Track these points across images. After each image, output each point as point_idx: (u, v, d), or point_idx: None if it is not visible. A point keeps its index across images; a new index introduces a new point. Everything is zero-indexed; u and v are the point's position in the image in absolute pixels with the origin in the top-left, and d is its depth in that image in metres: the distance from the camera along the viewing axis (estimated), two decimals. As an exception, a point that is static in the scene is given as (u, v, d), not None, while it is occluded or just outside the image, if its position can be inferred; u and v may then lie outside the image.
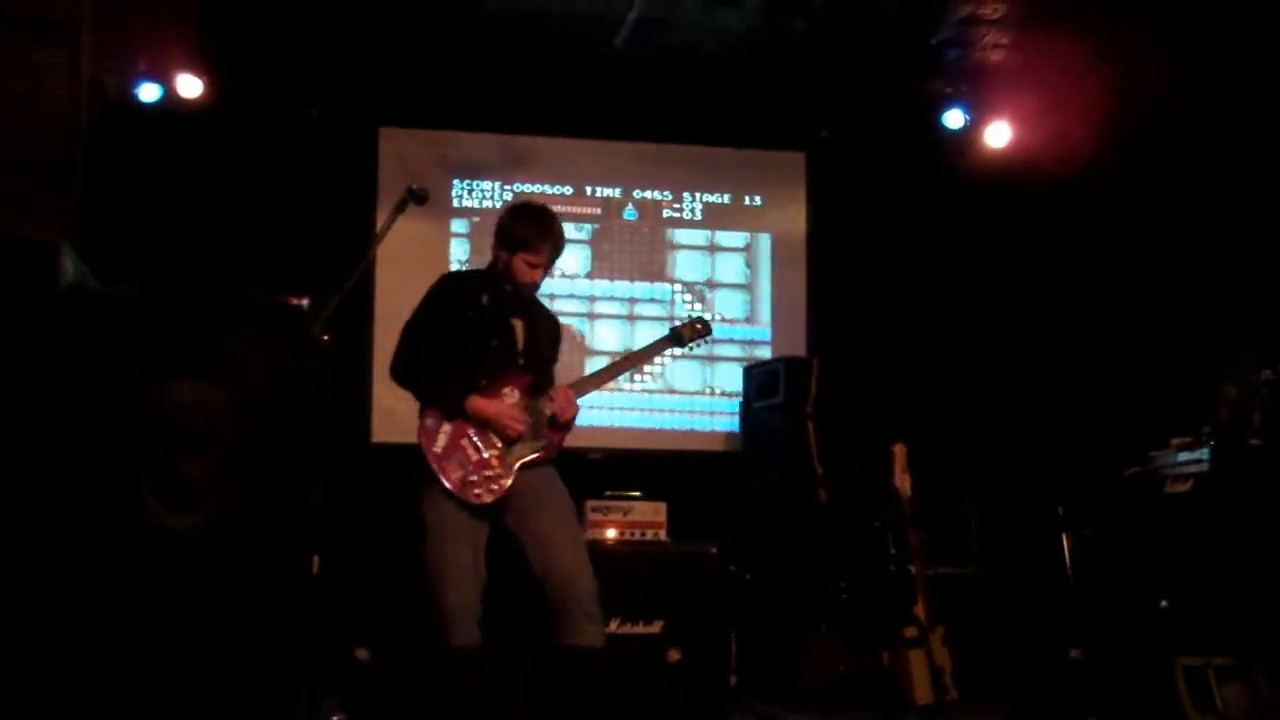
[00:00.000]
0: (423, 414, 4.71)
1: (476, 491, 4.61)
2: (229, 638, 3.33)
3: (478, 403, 4.66)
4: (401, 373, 4.76)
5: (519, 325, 4.85)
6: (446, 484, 4.60)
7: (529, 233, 4.76)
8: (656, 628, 5.80)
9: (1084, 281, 7.68)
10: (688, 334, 5.16)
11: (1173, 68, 6.54)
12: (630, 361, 5.29)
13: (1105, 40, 6.57)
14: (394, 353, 4.79)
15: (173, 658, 3.27)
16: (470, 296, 4.81)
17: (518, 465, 4.68)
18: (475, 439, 4.67)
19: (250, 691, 3.32)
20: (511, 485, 4.66)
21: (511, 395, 4.72)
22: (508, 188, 7.95)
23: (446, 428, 4.67)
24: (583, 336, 7.91)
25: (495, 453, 4.66)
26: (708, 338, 5.23)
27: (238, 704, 3.31)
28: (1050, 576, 6.34)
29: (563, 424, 4.79)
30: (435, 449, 4.65)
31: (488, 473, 4.63)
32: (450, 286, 4.92)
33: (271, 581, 3.39)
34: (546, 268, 4.84)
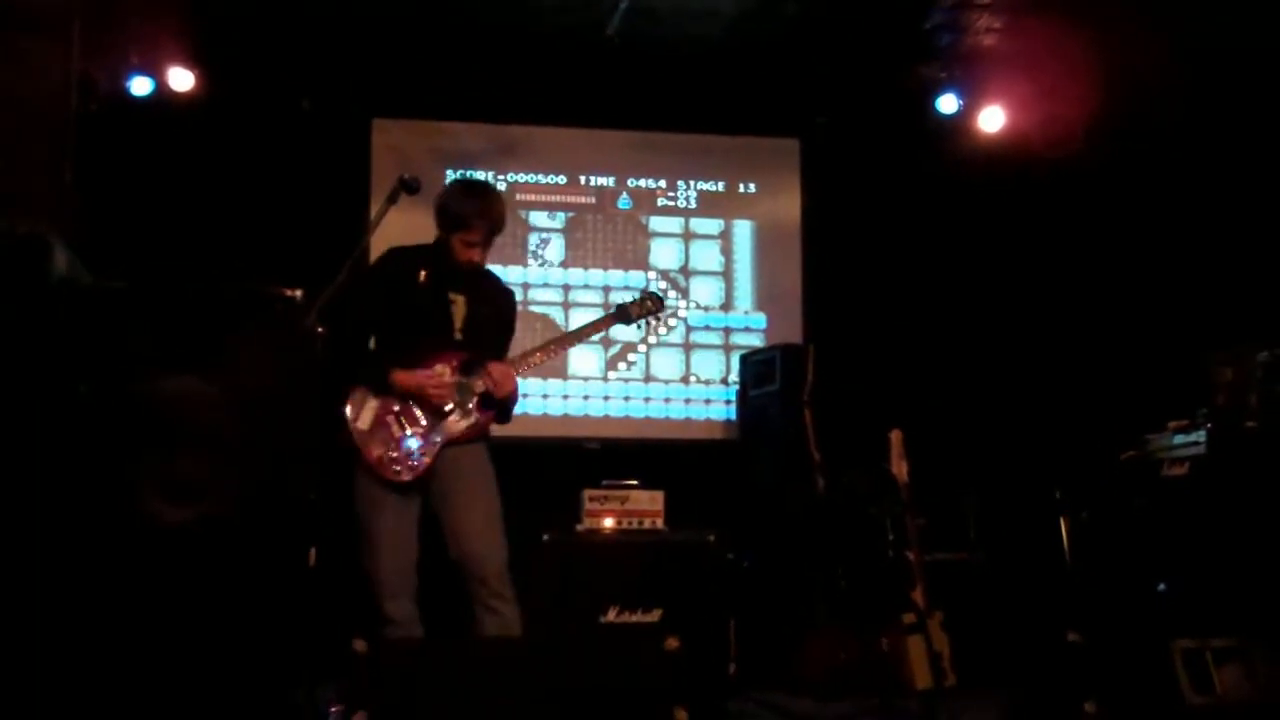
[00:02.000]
0: (350, 389, 4.69)
1: (396, 469, 4.63)
2: (227, 630, 3.33)
3: (399, 375, 4.66)
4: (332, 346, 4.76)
5: (459, 302, 4.83)
6: (366, 461, 4.61)
7: (463, 211, 4.75)
8: (655, 616, 5.80)
9: (1079, 266, 7.68)
10: (636, 311, 5.11)
11: (1165, 50, 6.53)
12: (572, 338, 5.21)
13: (1098, 23, 6.56)
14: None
15: (171, 650, 3.27)
16: (409, 271, 4.79)
17: (441, 443, 4.67)
18: (401, 415, 4.67)
19: (249, 683, 3.32)
20: (433, 464, 4.67)
21: (443, 372, 4.70)
22: (501, 177, 7.93)
23: (373, 403, 4.68)
24: (560, 326, 7.87)
25: (419, 430, 4.66)
26: (660, 313, 5.18)
27: (236, 696, 3.31)
28: (1048, 561, 6.34)
29: (497, 400, 4.76)
30: (359, 425, 4.66)
31: (408, 450, 4.64)
32: (391, 261, 4.89)
33: (269, 574, 3.39)
34: (484, 246, 4.81)
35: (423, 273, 4.79)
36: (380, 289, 4.76)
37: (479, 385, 4.72)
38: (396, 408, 4.67)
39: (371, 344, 4.89)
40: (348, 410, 4.66)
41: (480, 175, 7.84)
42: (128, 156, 6.94)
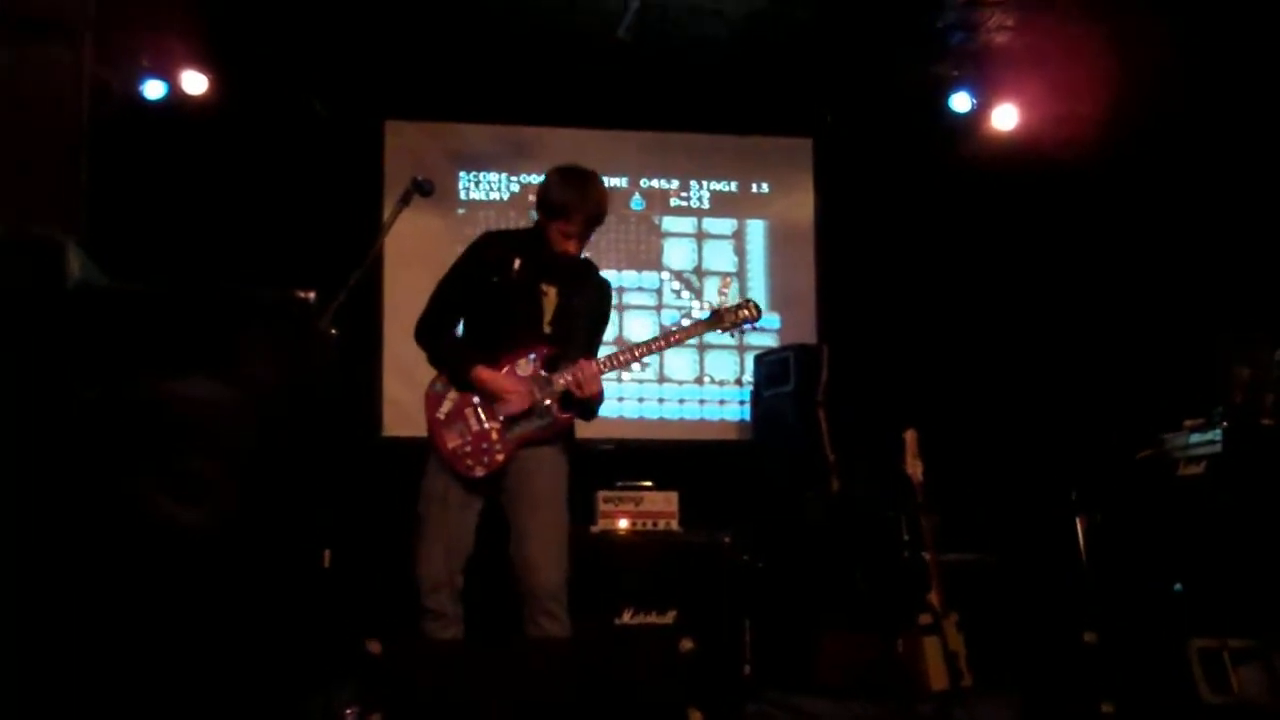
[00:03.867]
0: (434, 378, 4.64)
1: (469, 463, 4.54)
2: (241, 633, 3.33)
3: (480, 371, 4.56)
4: (422, 332, 4.68)
5: (551, 293, 4.70)
6: (440, 450, 4.55)
7: (562, 200, 4.61)
8: (669, 618, 5.80)
9: (1094, 264, 7.66)
10: (731, 318, 4.85)
11: (1179, 48, 6.52)
12: (663, 339, 4.86)
13: (1111, 21, 6.54)
14: (423, 309, 4.72)
15: (184, 654, 3.27)
16: (504, 259, 4.67)
17: (517, 441, 4.58)
18: (480, 409, 4.58)
19: (263, 687, 3.32)
20: (508, 461, 4.57)
21: (527, 366, 4.60)
22: (514, 179, 7.94)
23: (453, 394, 4.60)
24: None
25: (496, 425, 4.56)
26: (754, 322, 4.89)
27: (251, 699, 3.31)
28: (1064, 561, 6.32)
29: (579, 400, 4.62)
30: (438, 414, 4.59)
31: (484, 445, 4.55)
32: (486, 246, 4.75)
33: (282, 576, 3.39)
34: (582, 238, 4.66)
35: (517, 261, 4.65)
36: (472, 274, 4.64)
37: (560, 383, 4.59)
38: (476, 400, 4.57)
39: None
40: (428, 399, 4.59)
41: (493, 176, 7.86)
42: (141, 159, 6.96)
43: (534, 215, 4.80)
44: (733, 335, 4.99)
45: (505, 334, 4.64)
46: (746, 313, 4.87)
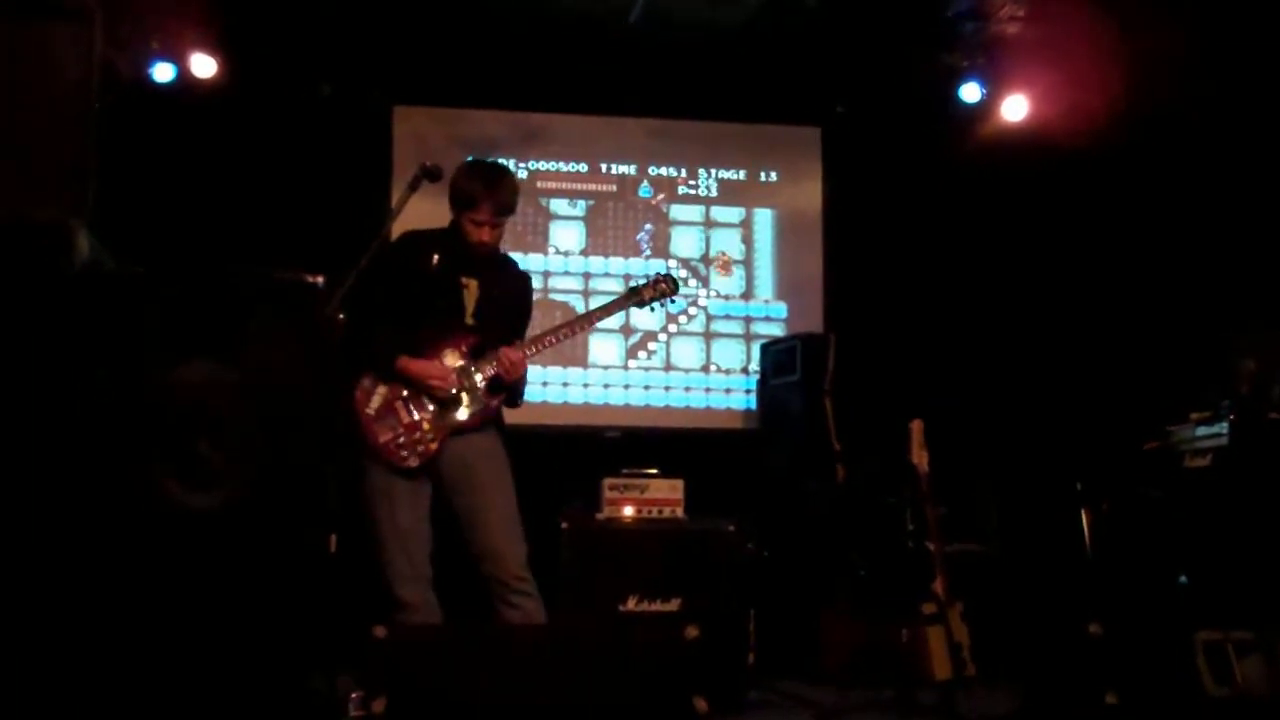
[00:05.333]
0: (360, 375, 4.68)
1: (403, 454, 4.61)
2: (247, 616, 3.33)
3: (405, 362, 4.64)
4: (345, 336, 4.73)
5: (472, 285, 4.80)
6: (373, 446, 4.60)
7: (469, 190, 4.69)
8: (674, 605, 5.80)
9: (1102, 255, 7.65)
10: (649, 293, 5.06)
11: (1189, 38, 6.50)
12: (584, 320, 5.08)
13: (1122, 11, 6.53)
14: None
15: (192, 636, 3.28)
16: (423, 255, 4.76)
17: (449, 429, 4.66)
18: (409, 401, 4.65)
19: (269, 669, 3.33)
20: (441, 450, 4.65)
21: (453, 357, 4.69)
22: (522, 165, 7.93)
23: (382, 389, 4.66)
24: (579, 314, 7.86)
25: (427, 415, 4.65)
26: (673, 296, 5.11)
27: (257, 683, 3.32)
28: (1069, 552, 6.33)
29: (506, 385, 4.73)
30: (368, 410, 4.64)
31: (416, 435, 4.62)
32: (405, 245, 4.86)
33: (289, 560, 3.40)
34: (493, 226, 4.74)
35: (435, 256, 4.76)
36: (392, 273, 4.71)
37: (488, 370, 4.69)
38: (405, 393, 4.65)
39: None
40: (356, 396, 4.63)
41: (502, 162, 7.84)
42: (150, 143, 6.96)
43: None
44: (653, 309, 5.17)
45: (429, 327, 4.73)
46: (664, 286, 5.08)
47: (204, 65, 7.03)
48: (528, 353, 4.76)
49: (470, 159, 4.86)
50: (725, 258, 8.12)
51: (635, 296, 5.07)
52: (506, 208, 4.77)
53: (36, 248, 3.00)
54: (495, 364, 4.68)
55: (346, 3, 7.11)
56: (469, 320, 4.77)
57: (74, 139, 3.07)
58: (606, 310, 5.10)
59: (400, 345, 4.67)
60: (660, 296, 5.08)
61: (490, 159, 5.00)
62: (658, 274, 5.14)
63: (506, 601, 4.62)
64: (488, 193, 4.68)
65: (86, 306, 3.11)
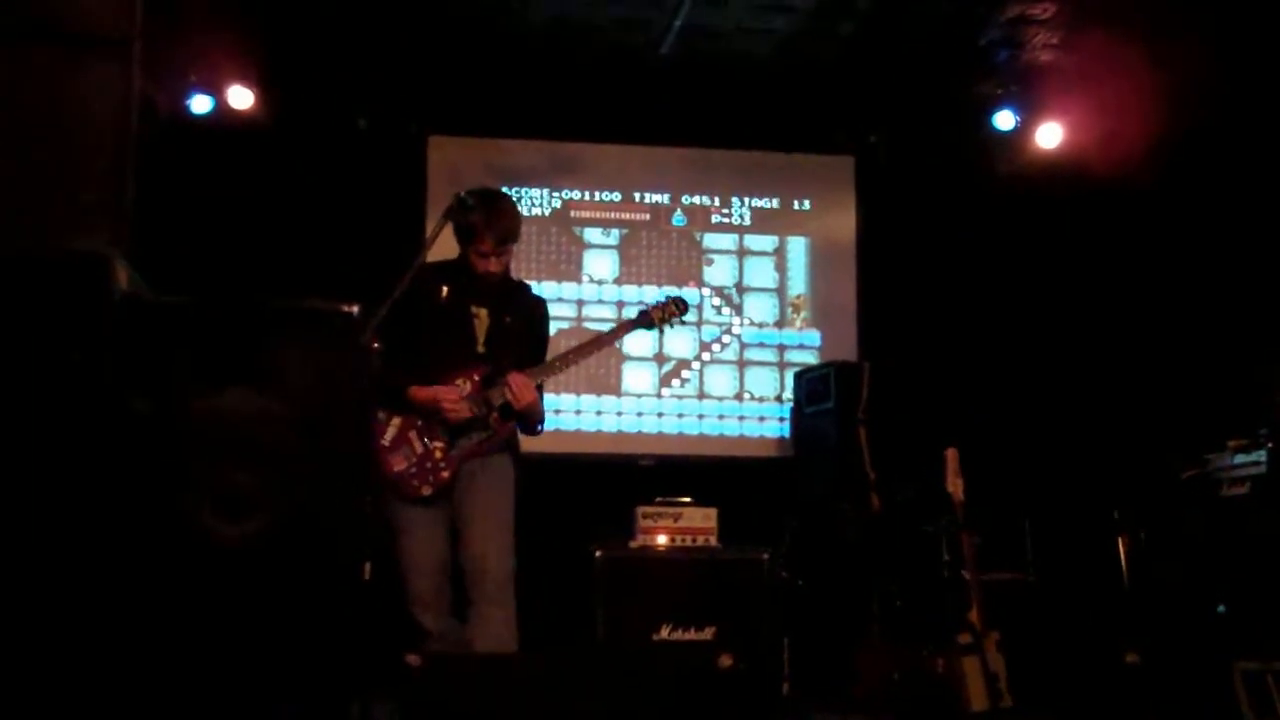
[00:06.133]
0: (376, 407, 4.67)
1: (415, 484, 4.63)
2: (282, 645, 3.34)
3: (415, 390, 4.65)
4: None
5: (482, 314, 4.81)
6: (388, 476, 4.62)
7: (470, 221, 4.69)
8: (708, 634, 5.79)
9: (1138, 283, 7.60)
10: (658, 315, 5.02)
11: (1224, 67, 6.47)
12: (594, 345, 5.01)
13: (1157, 40, 6.51)
14: None
15: (226, 665, 3.28)
16: (433, 287, 4.78)
17: (461, 457, 4.67)
18: (422, 431, 4.67)
19: (303, 699, 3.33)
20: (454, 476, 4.66)
21: (465, 385, 4.69)
22: (556, 194, 7.97)
23: (396, 420, 4.68)
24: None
25: (440, 444, 4.66)
26: (682, 317, 5.08)
27: (293, 711, 3.32)
28: (1106, 581, 6.28)
29: (516, 412, 4.72)
30: (382, 441, 4.66)
31: (429, 464, 4.64)
32: (416, 277, 4.77)
33: (323, 588, 3.40)
34: (498, 256, 4.74)
35: (445, 288, 4.78)
36: (405, 305, 4.74)
37: (499, 397, 4.69)
38: (419, 423, 4.67)
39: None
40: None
41: (535, 192, 7.89)
42: (187, 173, 7.01)
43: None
44: (662, 331, 5.12)
45: (441, 358, 4.75)
46: (673, 308, 5.05)
47: (241, 97, 7.10)
48: (541, 379, 4.77)
49: (472, 189, 4.80)
50: (800, 301, 8.15)
51: (644, 319, 5.04)
52: (509, 237, 4.77)
53: (75, 278, 3.03)
54: (504, 390, 4.68)
55: (382, 34, 7.16)
56: (480, 349, 4.78)
57: (112, 170, 3.10)
58: (615, 334, 5.10)
59: (412, 375, 4.68)
60: (669, 319, 5.05)
61: (493, 188, 4.98)
62: (668, 297, 5.11)
63: (478, 610, 4.59)
64: (487, 223, 4.69)
65: (123, 336, 3.13)
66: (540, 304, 5.09)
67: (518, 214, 4.88)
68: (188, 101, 7.06)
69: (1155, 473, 6.34)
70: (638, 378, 7.93)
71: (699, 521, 6.11)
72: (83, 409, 3.01)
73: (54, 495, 2.98)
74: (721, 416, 8.00)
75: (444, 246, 4.80)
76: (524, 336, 4.92)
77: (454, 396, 4.66)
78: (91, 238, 3.04)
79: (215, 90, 7.08)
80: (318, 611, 3.36)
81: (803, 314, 8.16)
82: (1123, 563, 6.16)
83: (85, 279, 3.00)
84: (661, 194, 8.13)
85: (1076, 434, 7.47)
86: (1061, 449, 7.45)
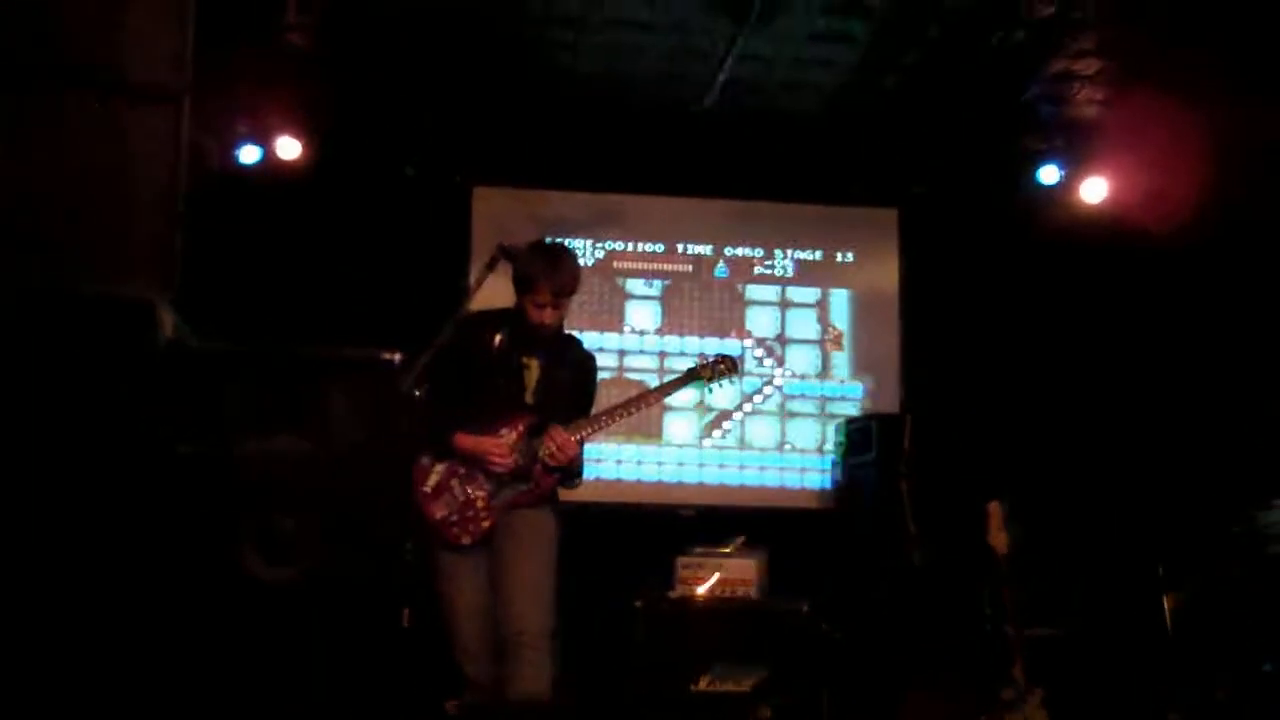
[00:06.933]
0: (420, 453, 4.70)
1: (455, 531, 4.62)
2: (322, 689, 3.36)
3: (462, 439, 4.65)
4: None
5: (533, 365, 4.80)
6: (429, 523, 4.62)
7: (528, 273, 4.69)
8: (747, 685, 5.76)
9: (1184, 338, 7.56)
10: (708, 373, 5.02)
11: (1270, 124, 6.45)
12: (641, 400, 4.99)
13: (1203, 96, 6.49)
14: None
15: (268, 709, 3.30)
16: (485, 335, 4.77)
17: (502, 507, 4.66)
18: (465, 479, 4.67)
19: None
20: (494, 526, 4.64)
21: (510, 434, 4.68)
22: (599, 245, 8.01)
23: (439, 467, 4.68)
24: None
25: (482, 494, 4.65)
26: (732, 376, 5.07)
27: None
28: (1150, 638, 6.21)
29: (557, 466, 4.70)
30: (424, 488, 4.66)
31: (470, 513, 4.63)
32: (467, 325, 4.84)
33: (363, 633, 3.42)
34: (554, 307, 4.73)
35: (498, 336, 4.77)
36: (455, 353, 4.73)
37: (543, 449, 4.67)
38: (462, 471, 4.67)
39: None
40: (416, 474, 4.66)
41: (578, 243, 7.93)
42: (235, 222, 7.09)
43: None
44: (710, 390, 5.12)
45: (489, 406, 4.73)
46: (723, 367, 5.05)
47: (289, 147, 7.18)
48: (584, 434, 4.74)
49: (533, 242, 4.85)
50: (836, 332, 8.14)
51: (693, 377, 5.04)
52: (566, 289, 4.76)
53: (123, 324, 3.07)
54: (545, 444, 4.66)
55: (429, 85, 7.25)
56: (529, 399, 4.78)
57: (161, 218, 3.15)
58: (663, 391, 5.10)
59: (458, 423, 4.69)
60: (718, 377, 5.04)
61: (555, 240, 5.00)
62: (717, 355, 5.11)
63: (515, 667, 4.52)
64: (547, 275, 4.68)
65: (170, 382, 3.17)
66: (590, 359, 5.08)
67: (578, 268, 4.86)
68: (237, 151, 7.15)
69: (1201, 529, 6.29)
70: (679, 427, 7.94)
71: (739, 572, 6.09)
72: (128, 452, 3.05)
73: (98, 535, 3.01)
74: (763, 467, 7.99)
75: (486, 297, 4.84)
76: (572, 390, 4.92)
77: (498, 450, 4.65)
78: (140, 284, 3.09)
79: (264, 140, 7.17)
80: (357, 655, 3.38)
81: (842, 346, 8.15)
82: (1167, 619, 6.09)
83: (131, 324, 3.05)
84: (704, 245, 8.16)
85: (1122, 489, 7.41)
86: (1106, 504, 7.39)
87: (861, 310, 8.24)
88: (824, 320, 8.20)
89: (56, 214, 3.03)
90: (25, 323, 2.96)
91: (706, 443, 7.95)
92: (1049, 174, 7.79)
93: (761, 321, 8.16)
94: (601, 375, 5.10)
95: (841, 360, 8.16)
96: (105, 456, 3.06)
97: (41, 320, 2.97)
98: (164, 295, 3.16)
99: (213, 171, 6.63)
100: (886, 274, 8.29)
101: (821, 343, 8.17)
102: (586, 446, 4.85)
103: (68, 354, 2.99)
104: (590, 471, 5.00)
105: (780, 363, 8.12)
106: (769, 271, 8.20)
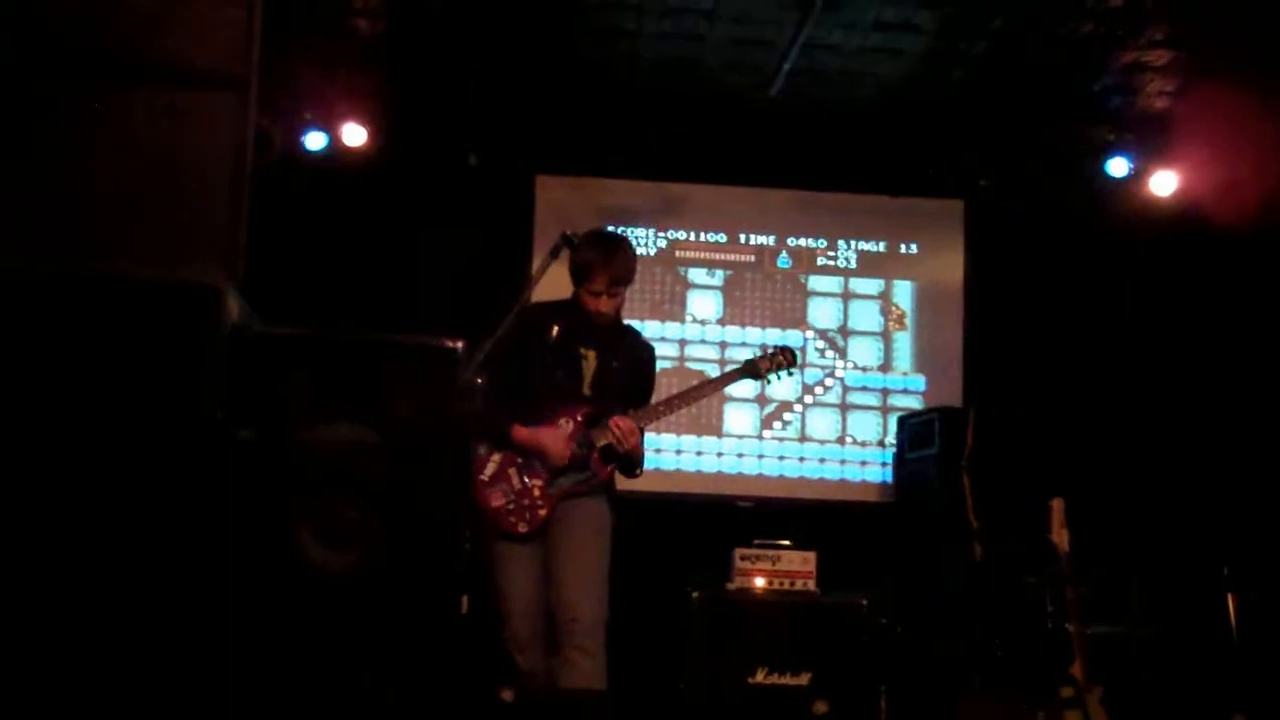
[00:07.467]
0: (477, 443, 4.72)
1: (512, 520, 4.64)
2: (379, 677, 3.37)
3: (519, 431, 4.68)
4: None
5: (590, 356, 4.83)
6: (485, 511, 4.64)
7: (584, 261, 4.71)
8: (804, 679, 5.74)
9: (1253, 333, 7.45)
10: (765, 366, 5.06)
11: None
12: (700, 391, 5.08)
13: (1275, 87, 6.39)
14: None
15: (326, 696, 3.32)
16: (543, 326, 4.80)
17: (559, 496, 4.67)
18: (522, 469, 4.69)
19: (398, 730, 3.35)
20: (550, 515, 4.66)
21: (568, 425, 4.71)
22: (662, 234, 8.00)
23: (496, 456, 4.70)
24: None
25: (539, 483, 4.67)
26: (789, 369, 5.10)
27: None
28: (1214, 639, 6.14)
29: (620, 454, 4.73)
30: (482, 476, 4.68)
31: (526, 502, 4.65)
32: (525, 316, 4.81)
33: (421, 621, 3.43)
34: (610, 296, 4.75)
35: (555, 327, 4.80)
36: (513, 344, 4.73)
37: (601, 439, 4.70)
38: (519, 460, 4.69)
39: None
40: (474, 462, 4.67)
41: (640, 232, 7.92)
42: (300, 208, 7.15)
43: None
44: (768, 381, 5.13)
45: (547, 397, 4.77)
46: (781, 359, 5.09)
47: (355, 134, 7.23)
48: (642, 424, 4.77)
49: (590, 230, 4.87)
50: (899, 311, 8.09)
51: (751, 369, 5.08)
52: (622, 278, 4.78)
53: (189, 307, 3.09)
54: (609, 433, 4.69)
55: (493, 75, 7.26)
56: (586, 390, 4.81)
57: (227, 204, 3.17)
58: (721, 382, 5.17)
59: (516, 414, 4.71)
60: (776, 369, 5.08)
61: (616, 229, 5.00)
62: (775, 347, 5.15)
63: (565, 656, 4.55)
64: (601, 264, 4.70)
65: (234, 367, 3.19)
66: (648, 349, 5.09)
67: (634, 256, 4.89)
68: (302, 138, 7.20)
69: (1267, 529, 6.20)
70: (739, 419, 7.91)
71: (797, 565, 6.08)
72: (190, 436, 3.07)
73: (160, 519, 3.04)
74: (823, 460, 7.95)
75: (548, 286, 4.84)
76: (630, 380, 4.94)
77: (556, 441, 4.67)
78: (206, 271, 3.11)
79: (329, 127, 7.22)
80: (415, 643, 3.39)
81: (905, 326, 8.09)
82: (1232, 620, 6.01)
83: (197, 310, 3.07)
84: (767, 236, 8.13)
85: (1187, 487, 7.33)
86: (1171, 501, 7.30)
87: (925, 302, 8.18)
88: (886, 311, 8.13)
89: (123, 201, 3.05)
90: (92, 309, 2.99)
91: (766, 435, 7.92)
92: (1118, 166, 7.69)
93: (823, 313, 8.11)
94: (662, 365, 5.10)
95: (904, 353, 8.10)
96: (168, 441, 3.08)
97: (108, 307, 3.00)
98: (229, 282, 3.18)
99: (279, 157, 6.67)
100: (951, 266, 8.22)
101: (884, 327, 8.11)
102: (645, 437, 4.85)
103: (133, 340, 3.02)
104: (649, 462, 5.00)
105: (842, 355, 8.07)
106: (831, 262, 8.16)
